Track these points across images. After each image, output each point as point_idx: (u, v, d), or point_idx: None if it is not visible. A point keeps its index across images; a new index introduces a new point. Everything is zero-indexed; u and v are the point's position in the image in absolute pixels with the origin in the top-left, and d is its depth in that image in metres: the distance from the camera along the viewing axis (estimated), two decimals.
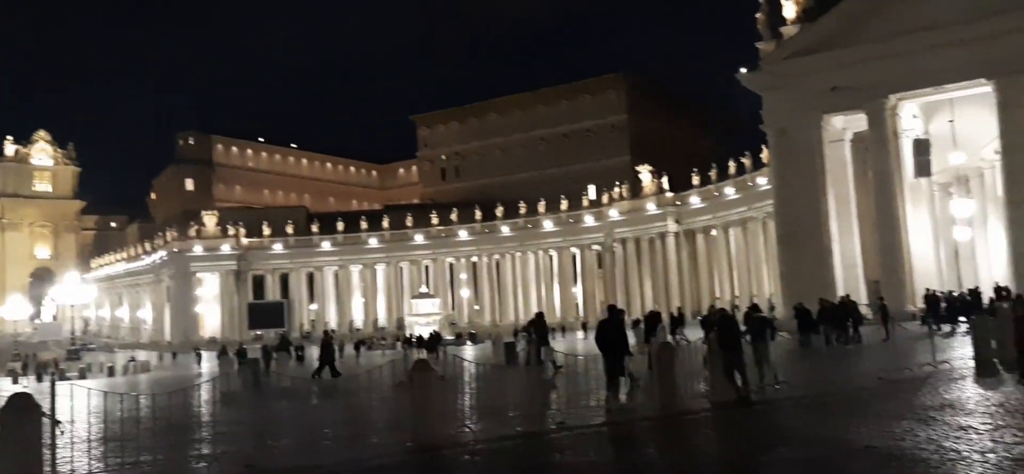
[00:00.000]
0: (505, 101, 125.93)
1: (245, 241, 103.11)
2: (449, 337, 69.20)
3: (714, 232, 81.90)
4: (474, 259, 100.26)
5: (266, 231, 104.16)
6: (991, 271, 48.66)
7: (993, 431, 13.36)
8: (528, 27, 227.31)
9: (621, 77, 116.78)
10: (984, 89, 45.16)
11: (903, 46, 45.73)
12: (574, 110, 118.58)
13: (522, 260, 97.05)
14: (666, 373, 19.79)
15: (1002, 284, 41.69)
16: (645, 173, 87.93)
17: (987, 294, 39.26)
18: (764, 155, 64.77)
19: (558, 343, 48.11)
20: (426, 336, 57.03)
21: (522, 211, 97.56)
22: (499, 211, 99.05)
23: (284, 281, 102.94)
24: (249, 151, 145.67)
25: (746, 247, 76.31)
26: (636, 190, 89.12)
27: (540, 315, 32.84)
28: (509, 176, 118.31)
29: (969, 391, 18.11)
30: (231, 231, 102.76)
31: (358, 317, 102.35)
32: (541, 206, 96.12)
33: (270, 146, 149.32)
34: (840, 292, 46.13)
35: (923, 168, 46.97)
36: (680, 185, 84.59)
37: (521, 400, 21.75)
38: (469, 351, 53.98)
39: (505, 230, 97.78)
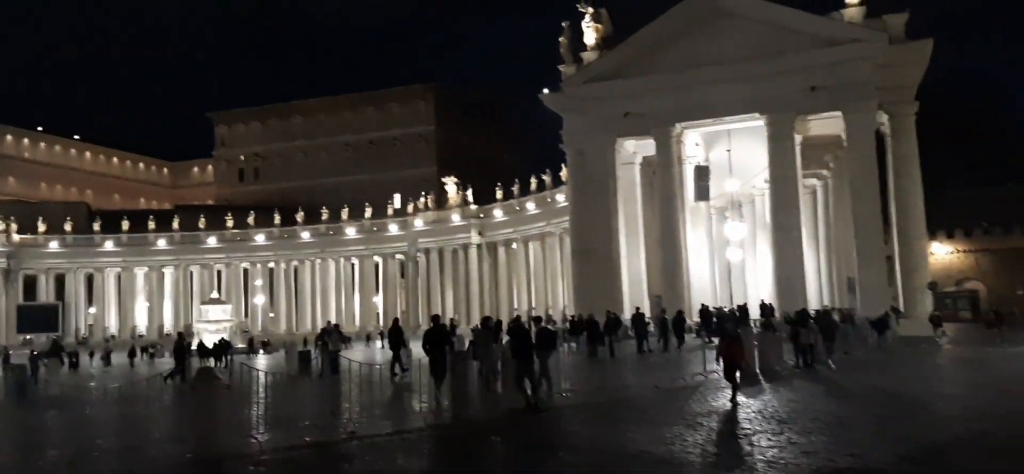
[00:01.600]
0: (311, 104, 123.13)
1: (16, 237, 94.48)
2: (240, 345, 66.53)
3: (515, 245, 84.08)
4: (271, 265, 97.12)
5: (41, 227, 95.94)
6: (758, 289, 53.13)
7: (751, 435, 14.66)
8: (338, 31, 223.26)
9: (431, 88, 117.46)
10: (757, 123, 49.25)
11: (689, 79, 49.06)
12: (382, 118, 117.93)
13: (322, 267, 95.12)
14: (459, 382, 20.21)
15: (767, 301, 45.68)
16: (451, 184, 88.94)
17: (754, 310, 42.95)
18: (564, 173, 67.31)
19: (356, 353, 47.57)
20: (212, 344, 54.51)
21: (324, 217, 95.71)
22: (300, 216, 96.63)
23: (60, 282, 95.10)
24: (25, 140, 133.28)
25: (544, 261, 78.88)
26: (441, 201, 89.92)
27: (396, 322, 33.28)
28: (312, 180, 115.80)
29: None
30: (0, 226, 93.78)
31: (142, 323, 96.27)
32: (344, 213, 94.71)
33: (50, 136, 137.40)
34: (627, 305, 48.76)
35: (702, 193, 50.50)
36: (484, 198, 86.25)
37: (313, 410, 21.39)
38: (261, 360, 52.18)
39: (305, 236, 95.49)
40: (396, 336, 30.08)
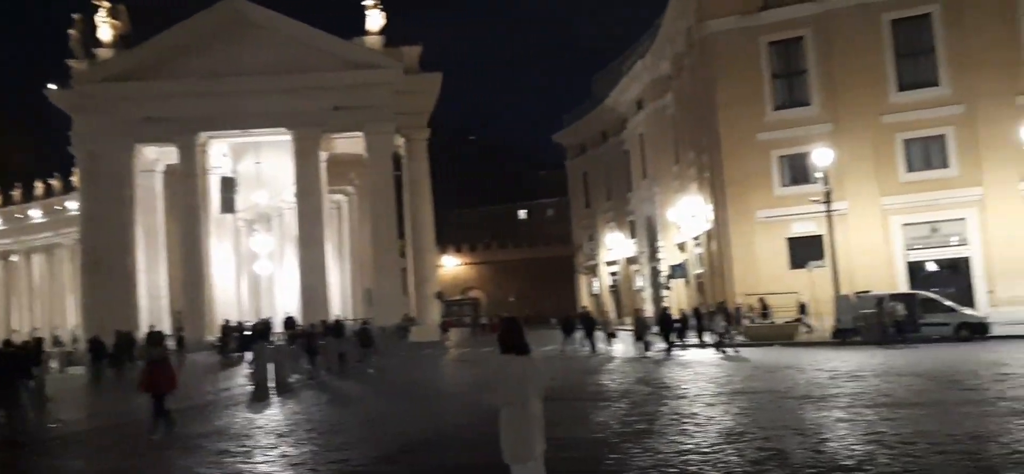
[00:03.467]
0: None
1: None
2: None
3: (15, 257, 74.14)
4: None
5: None
6: (286, 302, 53.78)
7: (247, 452, 14.84)
8: None
9: None
10: (286, 136, 49.96)
11: (215, 87, 47.98)
12: None
13: None
14: None
15: (293, 313, 46.44)
16: None
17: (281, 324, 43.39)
18: (75, 178, 61.21)
19: None
20: None
21: None
22: None
23: None
24: None
25: (51, 275, 70.82)
26: None
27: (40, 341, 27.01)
28: None
29: (239, 416, 19.73)
30: None
31: None
32: None
33: None
34: (144, 322, 45.95)
35: (228, 205, 49.76)
36: None
37: None
38: None
39: None
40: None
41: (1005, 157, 36.83)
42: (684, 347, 34.56)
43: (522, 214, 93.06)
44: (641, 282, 62.79)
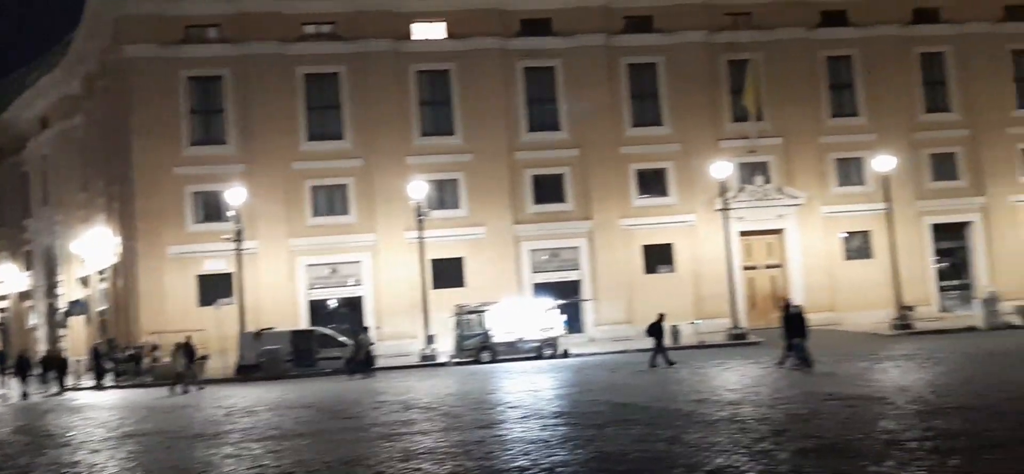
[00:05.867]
0: None
1: None
2: None
3: None
4: None
5: None
6: None
7: None
8: None
9: None
10: None
11: None
12: None
13: None
14: None
15: None
16: None
17: None
18: None
19: None
20: None
21: None
22: None
23: None
24: None
25: None
26: None
27: None
28: None
29: None
30: None
31: None
32: None
33: None
34: None
35: None
36: None
37: None
38: None
39: None
40: None
41: (396, 208, 41.75)
42: (62, 391, 32.19)
43: None
44: (36, 319, 56.52)
